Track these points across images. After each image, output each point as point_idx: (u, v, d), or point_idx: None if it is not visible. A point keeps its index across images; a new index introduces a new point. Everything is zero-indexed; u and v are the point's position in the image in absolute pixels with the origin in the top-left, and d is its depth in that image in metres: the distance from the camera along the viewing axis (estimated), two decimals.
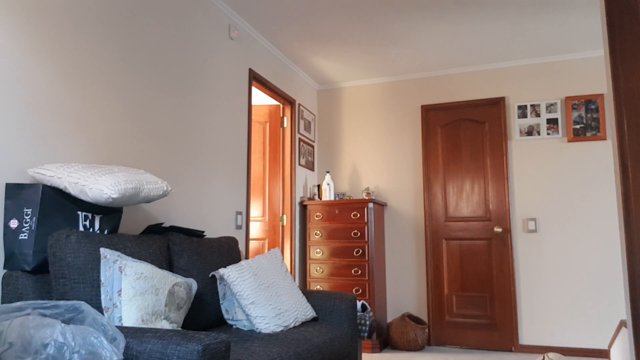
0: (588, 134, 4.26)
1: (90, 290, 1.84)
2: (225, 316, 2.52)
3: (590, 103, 4.29)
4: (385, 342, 4.44)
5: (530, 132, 4.42)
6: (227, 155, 3.47)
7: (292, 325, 2.48)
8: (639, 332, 1.91)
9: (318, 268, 4.44)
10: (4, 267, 1.87)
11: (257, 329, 2.37)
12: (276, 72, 4.31)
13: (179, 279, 2.08)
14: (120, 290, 1.86)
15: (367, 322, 3.55)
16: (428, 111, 4.82)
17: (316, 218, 4.52)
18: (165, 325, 1.92)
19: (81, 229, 2.01)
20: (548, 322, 4.21)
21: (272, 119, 4.57)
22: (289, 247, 4.43)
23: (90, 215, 2.06)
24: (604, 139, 4.20)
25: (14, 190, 1.89)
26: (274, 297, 2.49)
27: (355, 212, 4.39)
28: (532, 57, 4.47)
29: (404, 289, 4.68)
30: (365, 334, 3.53)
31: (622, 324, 2.49)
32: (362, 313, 3.63)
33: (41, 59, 2.09)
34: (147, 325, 1.83)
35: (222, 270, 2.47)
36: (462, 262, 4.52)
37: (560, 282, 4.21)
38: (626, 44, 2.00)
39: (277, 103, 4.58)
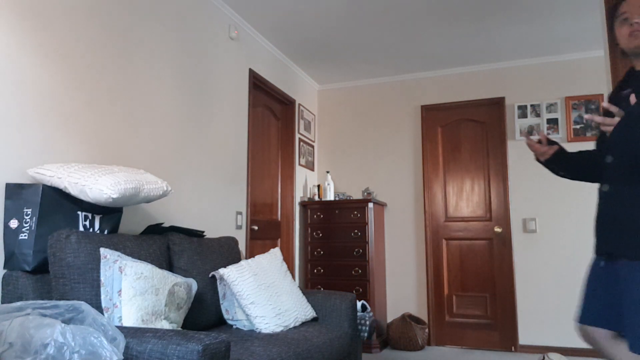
0: (588, 134, 4.26)
1: (90, 290, 1.84)
2: (225, 316, 2.52)
3: (590, 103, 4.29)
4: (385, 342, 4.44)
5: (530, 132, 4.42)
6: (227, 155, 3.47)
7: (292, 325, 2.48)
8: None
9: (318, 268, 4.44)
10: (4, 267, 1.87)
11: (257, 329, 2.38)
12: (276, 72, 4.31)
13: (179, 279, 2.08)
14: (120, 290, 1.86)
15: (367, 322, 3.55)
16: (428, 111, 4.82)
17: (316, 218, 4.52)
18: (165, 325, 1.92)
19: (81, 229, 2.01)
20: (548, 322, 4.21)
21: (284, 115, 4.57)
22: (289, 247, 4.43)
23: (90, 215, 2.06)
24: None
25: (14, 190, 1.89)
26: (274, 297, 2.49)
27: (355, 212, 4.39)
28: (532, 57, 4.47)
29: (404, 289, 4.68)
30: (365, 334, 3.53)
31: None
32: (362, 313, 3.63)
33: (41, 59, 2.09)
34: (147, 325, 1.83)
35: (222, 270, 2.47)
36: (462, 262, 4.52)
37: (560, 281, 4.21)
38: None
39: (289, 98, 4.56)
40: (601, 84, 4.28)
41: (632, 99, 1.54)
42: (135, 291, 1.86)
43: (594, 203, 4.19)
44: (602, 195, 1.74)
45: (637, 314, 1.55)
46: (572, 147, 4.31)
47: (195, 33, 3.17)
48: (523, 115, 4.46)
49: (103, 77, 2.42)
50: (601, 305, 1.73)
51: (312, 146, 5.03)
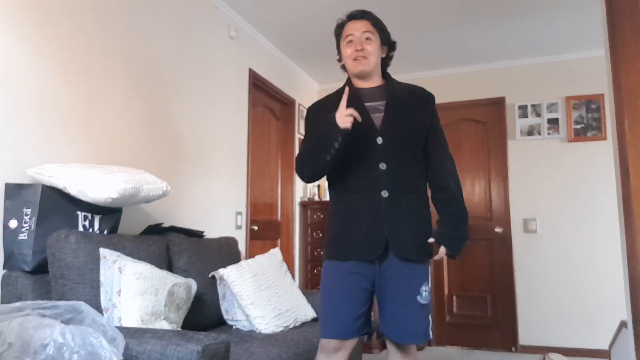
0: (589, 134, 4.25)
1: (89, 291, 1.84)
2: (225, 316, 2.51)
3: (590, 103, 4.28)
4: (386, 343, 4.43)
5: (530, 132, 4.42)
6: (227, 155, 3.46)
7: (292, 326, 2.47)
8: (639, 332, 1.91)
9: (318, 268, 4.44)
10: (4, 268, 1.87)
11: (257, 329, 2.37)
12: (276, 72, 4.30)
13: (178, 279, 2.08)
14: (119, 291, 1.85)
15: None
16: None
17: (316, 218, 4.52)
18: (164, 325, 1.91)
19: (81, 229, 2.01)
20: (548, 322, 4.20)
21: (284, 115, 4.57)
22: (289, 247, 4.42)
23: (89, 215, 2.05)
24: (605, 139, 4.20)
25: (13, 190, 1.88)
26: (274, 298, 2.48)
27: None
28: (533, 57, 4.46)
29: None
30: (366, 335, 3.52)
31: (622, 324, 2.49)
32: None
33: (41, 59, 2.09)
34: (146, 325, 1.83)
35: (222, 271, 2.47)
36: (463, 262, 4.51)
37: (561, 282, 4.21)
38: (626, 43, 2.00)
39: (289, 98, 4.57)
40: (602, 84, 4.27)
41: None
42: (134, 291, 1.86)
43: (594, 203, 4.19)
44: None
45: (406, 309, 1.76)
46: (572, 147, 4.31)
47: (195, 33, 3.17)
48: (523, 115, 4.45)
49: (103, 76, 2.42)
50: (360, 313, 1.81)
51: None
